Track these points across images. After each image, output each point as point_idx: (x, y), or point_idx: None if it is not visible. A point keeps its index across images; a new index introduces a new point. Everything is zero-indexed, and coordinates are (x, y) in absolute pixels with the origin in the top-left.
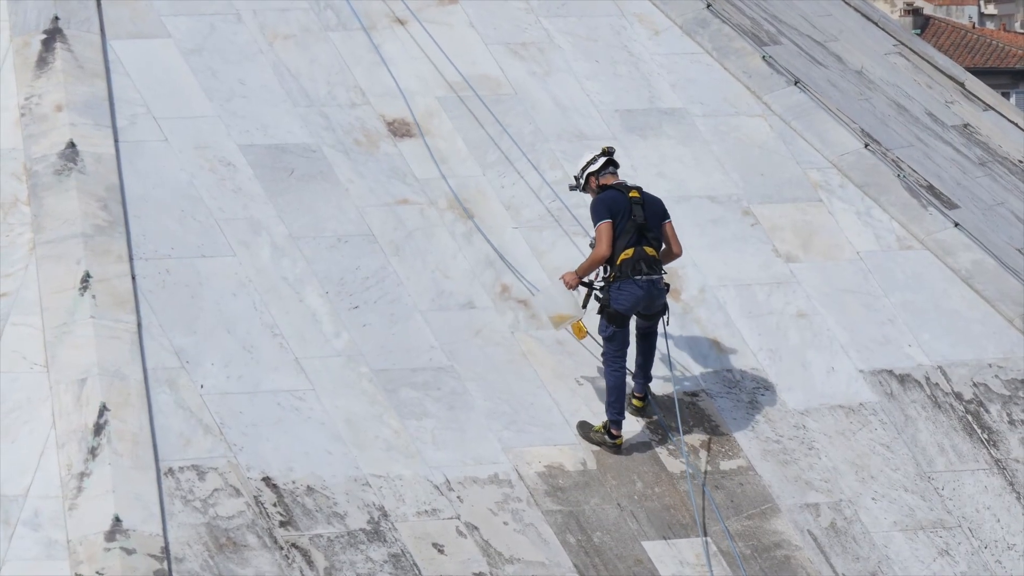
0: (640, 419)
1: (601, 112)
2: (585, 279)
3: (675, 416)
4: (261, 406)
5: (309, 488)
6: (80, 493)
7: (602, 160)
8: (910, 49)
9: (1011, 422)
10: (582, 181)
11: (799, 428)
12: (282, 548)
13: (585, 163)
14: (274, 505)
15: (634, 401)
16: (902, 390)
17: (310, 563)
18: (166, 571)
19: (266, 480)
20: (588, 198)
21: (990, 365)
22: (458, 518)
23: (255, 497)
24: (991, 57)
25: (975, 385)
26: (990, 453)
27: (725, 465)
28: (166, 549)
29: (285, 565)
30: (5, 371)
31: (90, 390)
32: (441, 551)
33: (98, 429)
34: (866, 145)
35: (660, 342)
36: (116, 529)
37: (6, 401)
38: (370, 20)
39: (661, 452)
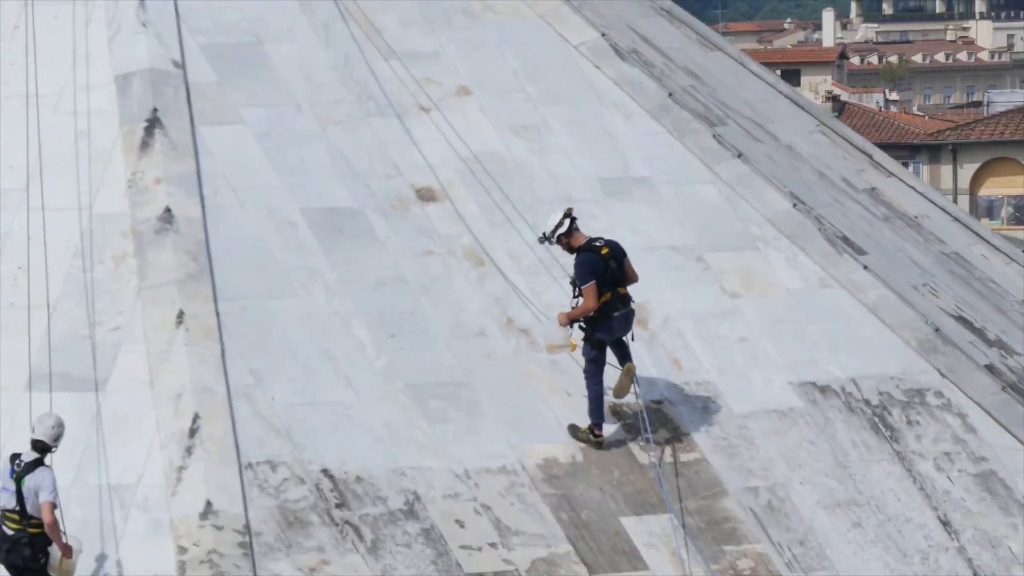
0: (616, 422)
1: (586, 180)
2: (575, 322)
3: (643, 420)
4: (319, 414)
5: (358, 478)
6: (179, 483)
7: (567, 222)
8: (830, 128)
9: (908, 422)
10: (553, 240)
11: (742, 428)
12: (337, 524)
13: (555, 226)
14: (331, 491)
15: (608, 405)
16: (823, 398)
17: (360, 537)
18: (248, 543)
19: (324, 472)
20: (559, 249)
21: (892, 378)
22: (475, 500)
23: (316, 485)
24: (894, 134)
25: (880, 393)
26: (892, 447)
27: (684, 457)
28: (247, 526)
29: (340, 538)
30: (119, 389)
31: (185, 403)
32: (462, 526)
33: (192, 433)
34: (794, 205)
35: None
36: (208, 511)
37: (120, 412)
38: (402, 108)
39: (634, 448)
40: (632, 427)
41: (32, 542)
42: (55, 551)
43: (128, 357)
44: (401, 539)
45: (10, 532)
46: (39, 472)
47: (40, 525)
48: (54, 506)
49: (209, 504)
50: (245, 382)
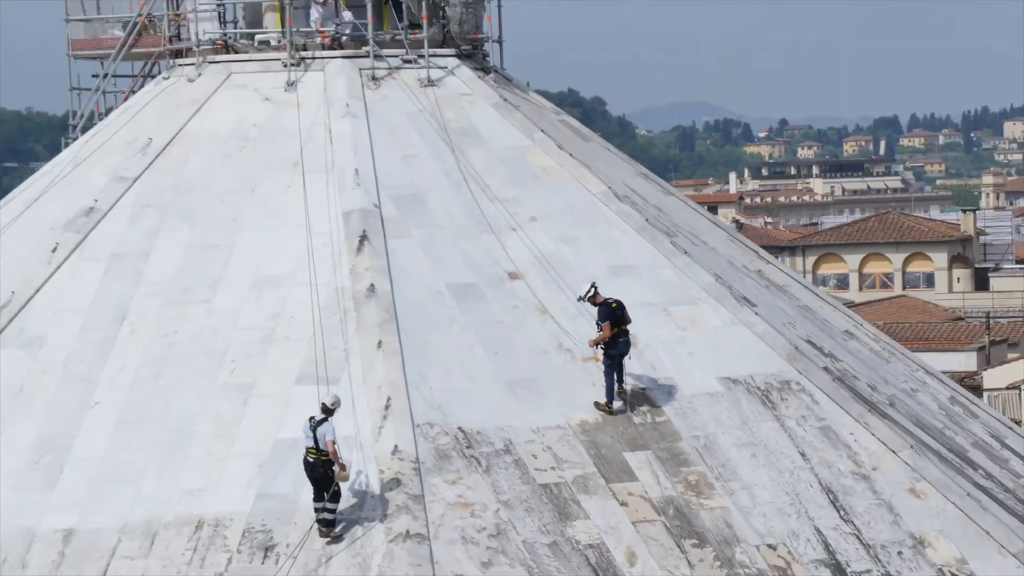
0: (619, 401)
1: (600, 267)
2: (598, 343)
3: (627, 399)
4: (456, 397)
5: (477, 431)
6: (380, 435)
7: (592, 289)
8: (734, 238)
9: (781, 399)
10: (586, 300)
11: (690, 403)
12: (466, 458)
13: (585, 292)
14: (462, 439)
15: (616, 392)
16: (734, 386)
17: (479, 464)
18: (417, 468)
19: (459, 428)
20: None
21: (772, 374)
22: (542, 444)
23: (454, 436)
24: (769, 240)
25: (766, 383)
26: (772, 413)
27: (657, 419)
28: (417, 458)
29: (467, 465)
30: (347, 384)
31: (383, 391)
32: (535, 458)
33: (386, 407)
34: (716, 279)
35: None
36: (395, 450)
37: (347, 396)
38: (499, 228)
39: (630, 415)
40: (626, 403)
41: (323, 465)
42: (337, 469)
43: (352, 366)
44: (501, 465)
45: (311, 460)
46: (325, 424)
47: (327, 455)
48: (334, 442)
49: (396, 446)
50: (415, 379)
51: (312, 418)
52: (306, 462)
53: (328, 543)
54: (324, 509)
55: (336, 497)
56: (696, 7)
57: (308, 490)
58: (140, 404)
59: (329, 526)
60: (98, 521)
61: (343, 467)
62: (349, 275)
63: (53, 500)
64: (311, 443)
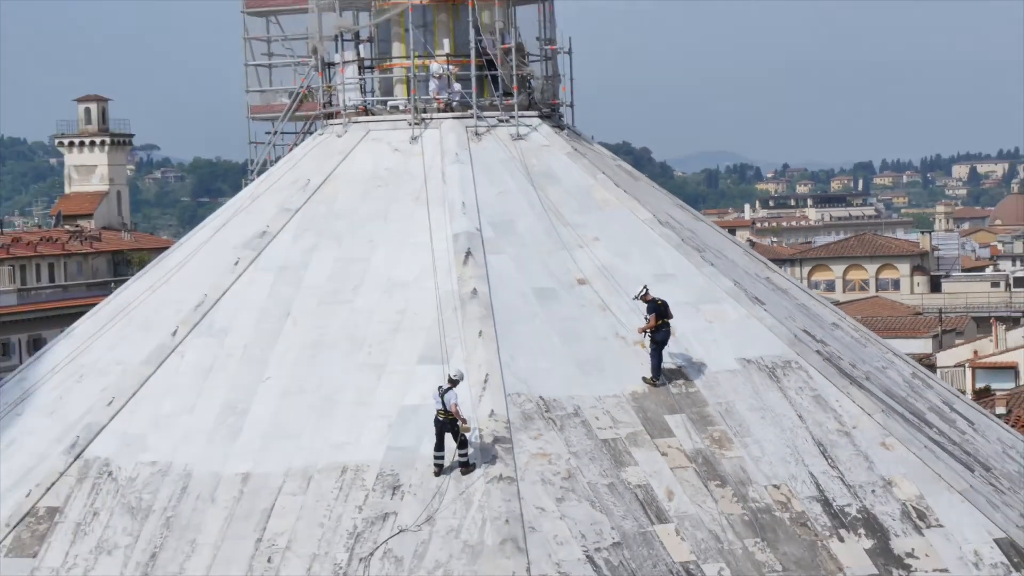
0: (662, 374)
1: (647, 276)
2: (645, 331)
3: (663, 374)
4: (538, 373)
5: (554, 399)
6: (480, 402)
7: (645, 290)
8: (749, 252)
9: (784, 375)
10: (639, 298)
11: (714, 377)
12: (545, 420)
13: (638, 292)
14: (542, 404)
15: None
16: (748, 364)
17: (555, 424)
18: (508, 427)
19: (540, 397)
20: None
21: (776, 356)
22: (603, 409)
23: (535, 403)
24: (775, 255)
25: (771, 363)
26: (776, 385)
27: (690, 390)
28: (508, 420)
29: (546, 425)
30: (456, 364)
31: (482, 369)
32: (597, 419)
33: (485, 381)
34: (734, 283)
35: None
36: (492, 413)
37: (468, 379)
38: (571, 246)
39: (668, 387)
40: (667, 378)
41: (450, 422)
42: (460, 424)
43: (459, 350)
44: (571, 425)
45: (440, 419)
46: (450, 392)
47: (452, 415)
48: (456, 405)
49: (492, 411)
50: (507, 360)
51: (440, 387)
52: (436, 420)
53: (457, 480)
54: (460, 455)
55: (464, 444)
56: (717, 82)
57: (427, 443)
58: (300, 378)
59: (466, 467)
60: (268, 467)
61: (464, 421)
62: (457, 281)
63: (234, 451)
64: (440, 406)
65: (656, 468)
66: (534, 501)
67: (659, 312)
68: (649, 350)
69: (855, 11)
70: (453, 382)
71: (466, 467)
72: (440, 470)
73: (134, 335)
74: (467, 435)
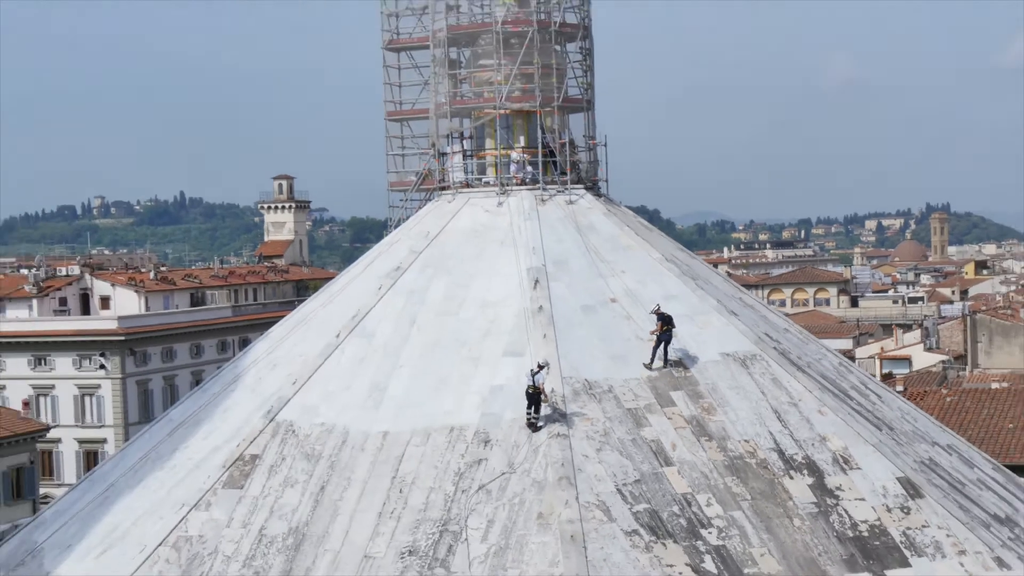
0: (661, 364)
1: (661, 298)
2: (658, 329)
3: (667, 363)
4: (585, 364)
5: (595, 382)
6: (544, 383)
7: (658, 306)
8: (728, 280)
9: (751, 364)
10: (652, 312)
11: (704, 364)
12: (588, 395)
13: (655, 307)
14: (586, 384)
15: (664, 361)
16: (728, 358)
17: (595, 398)
18: (563, 400)
19: (585, 379)
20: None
21: (746, 351)
22: (628, 387)
23: (583, 383)
24: (743, 282)
25: (744, 357)
26: (747, 372)
27: (687, 374)
28: (563, 396)
29: (588, 399)
30: (530, 358)
31: (545, 360)
32: (623, 394)
33: (546, 367)
34: (718, 301)
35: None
36: (551, 392)
37: (531, 364)
38: (603, 275)
39: (672, 372)
40: (672, 366)
41: (537, 394)
42: (543, 396)
43: (530, 347)
44: (607, 399)
45: (530, 392)
46: (539, 374)
47: (538, 389)
48: (543, 382)
49: (552, 389)
50: (563, 353)
51: (532, 370)
52: (527, 393)
53: (529, 436)
54: (534, 418)
55: (538, 410)
56: (705, 161)
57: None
58: (423, 367)
59: (535, 427)
60: (400, 427)
61: (547, 395)
62: (529, 300)
63: (378, 416)
64: (531, 382)
65: (664, 428)
66: (580, 451)
67: (664, 321)
68: (652, 345)
69: (801, 110)
70: (540, 367)
71: (535, 427)
72: (534, 427)
73: (310, 337)
74: (544, 405)
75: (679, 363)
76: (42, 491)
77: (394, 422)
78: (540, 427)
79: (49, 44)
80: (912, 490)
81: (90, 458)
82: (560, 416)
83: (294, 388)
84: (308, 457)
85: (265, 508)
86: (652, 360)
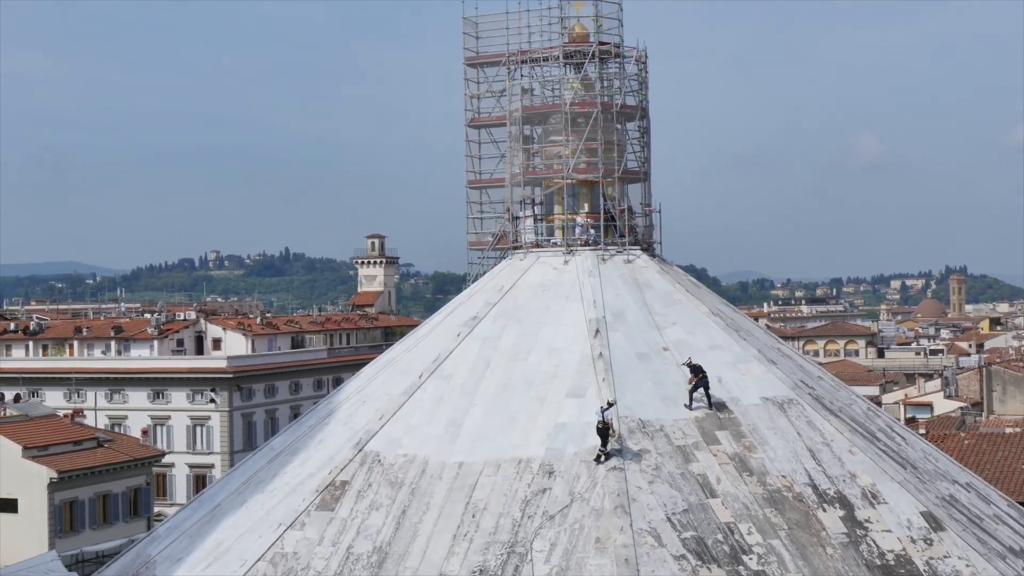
0: (704, 406)
1: (698, 345)
2: (692, 380)
3: (712, 403)
4: (638, 403)
5: (648, 420)
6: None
7: (690, 359)
8: (767, 330)
9: (788, 408)
10: (684, 364)
11: (746, 407)
12: (643, 432)
13: (685, 362)
14: (641, 424)
15: (707, 406)
16: (767, 401)
17: (648, 436)
18: (620, 437)
19: (639, 419)
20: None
21: (780, 395)
22: (677, 427)
23: (637, 422)
24: (781, 334)
25: (781, 400)
26: (784, 414)
27: (731, 415)
28: (619, 433)
29: (642, 436)
30: (590, 399)
31: (604, 403)
32: (673, 433)
33: (608, 405)
34: (759, 351)
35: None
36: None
37: (592, 405)
38: (653, 316)
39: (717, 414)
40: (716, 407)
41: (606, 429)
42: (611, 432)
43: (591, 389)
44: (658, 437)
45: (600, 427)
46: (609, 411)
47: (607, 424)
48: (610, 419)
49: (629, 429)
50: (619, 396)
51: (602, 407)
52: (598, 428)
53: (589, 468)
54: (601, 451)
55: (606, 443)
56: (746, 227)
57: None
58: (495, 405)
59: (607, 457)
60: (474, 459)
61: (613, 430)
62: (590, 348)
63: (454, 449)
64: (600, 418)
65: (710, 463)
66: (635, 483)
67: (694, 371)
68: (689, 390)
69: (834, 180)
70: (610, 404)
71: (607, 458)
72: (600, 459)
73: (396, 377)
74: (611, 438)
75: (723, 406)
76: (156, 510)
77: (468, 454)
78: (607, 457)
79: (173, 118)
80: (934, 523)
81: (199, 481)
82: (615, 450)
83: (381, 422)
84: (392, 484)
85: (353, 529)
86: (690, 403)
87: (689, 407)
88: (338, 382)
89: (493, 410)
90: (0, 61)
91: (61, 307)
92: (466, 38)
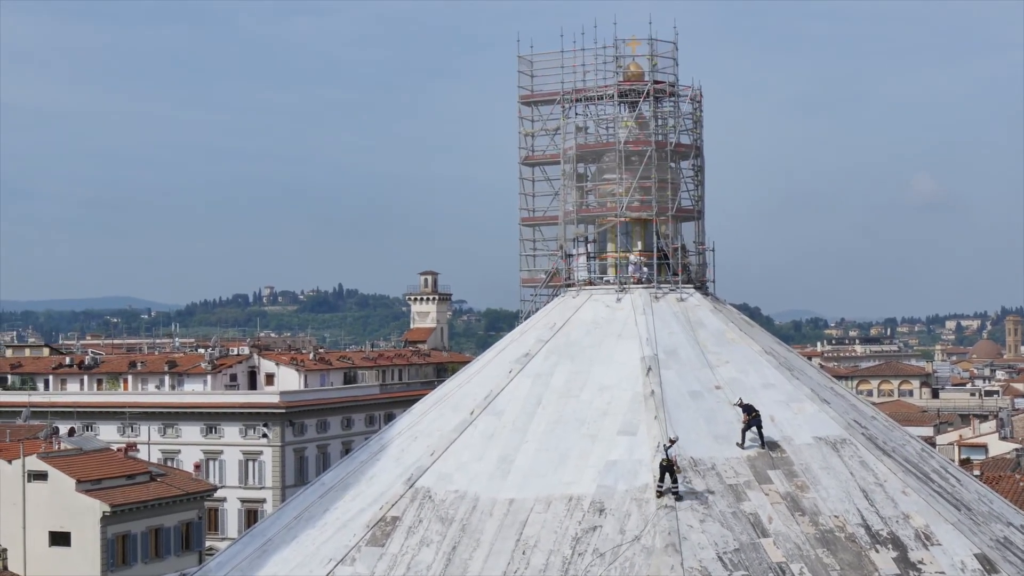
0: (756, 446)
1: (747, 382)
2: (744, 422)
3: (765, 439)
4: (689, 441)
5: (700, 458)
6: (654, 458)
7: (740, 399)
8: (821, 372)
9: (841, 448)
10: (736, 403)
11: (799, 447)
12: (694, 471)
13: (737, 400)
14: (693, 461)
15: (760, 446)
16: (819, 440)
17: (699, 474)
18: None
19: (691, 456)
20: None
21: (838, 436)
22: (729, 465)
23: (689, 459)
24: (835, 373)
25: (835, 440)
26: (837, 454)
27: (783, 455)
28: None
29: (694, 475)
30: (642, 437)
31: (655, 439)
32: (725, 471)
33: (657, 446)
34: (811, 390)
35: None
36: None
37: (645, 442)
38: (700, 346)
39: (769, 453)
40: (769, 446)
41: (670, 465)
42: (676, 467)
43: (643, 428)
44: (710, 475)
45: (663, 464)
46: (672, 448)
47: (671, 461)
48: (675, 456)
49: (680, 467)
50: (671, 433)
51: (664, 445)
52: (660, 465)
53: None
54: (660, 485)
55: (675, 480)
56: (799, 268)
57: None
58: (546, 442)
59: (678, 495)
60: (525, 495)
61: (678, 467)
62: (642, 385)
63: (505, 485)
64: (664, 456)
65: (761, 503)
66: (686, 521)
67: (746, 410)
68: (743, 428)
69: (889, 219)
70: (672, 442)
71: (678, 496)
72: (661, 495)
73: (447, 413)
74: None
75: (776, 445)
76: (208, 544)
77: (519, 491)
78: (673, 494)
79: (229, 155)
80: (988, 566)
81: (251, 516)
82: (669, 490)
83: (432, 458)
84: (442, 520)
85: (403, 565)
86: (743, 441)
87: (742, 446)
88: (390, 418)
89: (544, 447)
90: (59, 98)
91: (116, 342)
92: (521, 76)
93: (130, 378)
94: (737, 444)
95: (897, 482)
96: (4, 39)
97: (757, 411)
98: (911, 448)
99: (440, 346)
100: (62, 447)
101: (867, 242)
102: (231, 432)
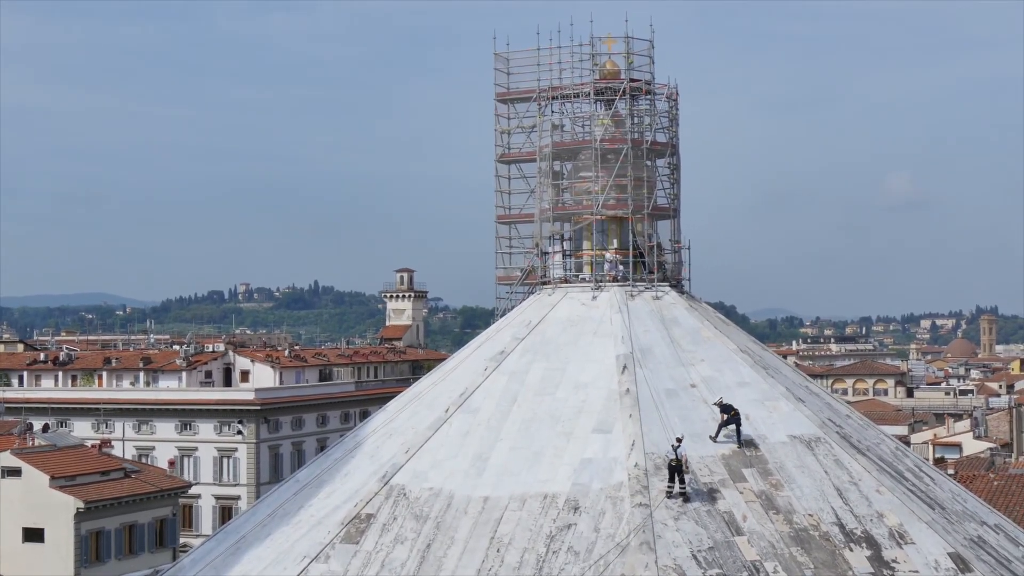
0: (732, 442)
1: (727, 384)
2: (723, 419)
3: (742, 438)
4: (664, 440)
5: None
6: (629, 457)
7: (720, 398)
8: (796, 371)
9: (816, 446)
10: (715, 403)
11: (773, 445)
12: (669, 470)
13: (718, 399)
14: (666, 460)
15: (738, 444)
16: (794, 438)
17: (680, 478)
18: (646, 473)
19: (665, 455)
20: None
21: (812, 434)
22: (705, 463)
23: (663, 457)
24: (809, 372)
25: (810, 438)
26: (812, 452)
27: (758, 453)
28: (645, 469)
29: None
30: (616, 436)
31: (630, 438)
32: (701, 469)
33: (632, 445)
34: (788, 390)
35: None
36: (635, 465)
37: (619, 441)
38: (685, 355)
39: (744, 451)
40: (745, 445)
41: (679, 464)
42: (684, 468)
43: (618, 425)
44: (686, 477)
45: (672, 464)
46: (680, 448)
47: (680, 461)
48: (684, 455)
49: (636, 463)
50: (646, 432)
51: (674, 444)
52: (669, 465)
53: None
54: (670, 487)
55: (683, 480)
56: (776, 266)
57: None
58: (521, 440)
59: (686, 496)
60: (499, 493)
61: (687, 466)
62: (617, 384)
63: (479, 483)
64: (673, 456)
65: (736, 501)
66: (660, 519)
67: (724, 410)
68: (718, 426)
69: (864, 219)
70: (679, 441)
71: (687, 498)
72: (670, 495)
73: (422, 411)
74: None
75: (750, 443)
76: (182, 540)
77: (494, 489)
78: (683, 495)
79: (204, 152)
80: (962, 564)
81: (225, 512)
82: (641, 488)
83: (407, 456)
84: (417, 518)
85: (377, 562)
86: (716, 435)
87: (714, 440)
88: (365, 415)
89: (519, 445)
90: (33, 95)
91: (91, 338)
92: (497, 74)
93: (105, 374)
94: (710, 437)
95: (871, 481)
96: None
97: (736, 411)
98: (885, 447)
99: (416, 343)
100: (36, 443)
101: (843, 241)
102: (206, 429)
